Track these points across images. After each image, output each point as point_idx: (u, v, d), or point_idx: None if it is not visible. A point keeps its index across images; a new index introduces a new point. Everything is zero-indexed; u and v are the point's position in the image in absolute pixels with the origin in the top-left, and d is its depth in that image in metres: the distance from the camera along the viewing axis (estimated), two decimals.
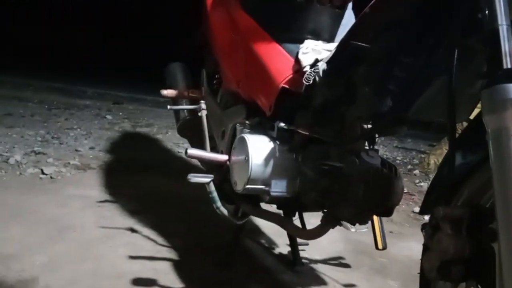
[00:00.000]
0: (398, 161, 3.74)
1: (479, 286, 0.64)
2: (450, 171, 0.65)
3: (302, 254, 1.55)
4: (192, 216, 1.78)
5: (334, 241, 1.76)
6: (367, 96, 0.84)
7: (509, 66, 0.55)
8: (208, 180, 1.11)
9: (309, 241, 1.60)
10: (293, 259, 1.49)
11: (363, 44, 0.81)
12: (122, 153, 2.72)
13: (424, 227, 0.67)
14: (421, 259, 0.69)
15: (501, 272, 0.52)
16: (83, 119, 3.70)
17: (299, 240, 1.52)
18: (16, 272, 1.19)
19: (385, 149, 4.31)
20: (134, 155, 2.70)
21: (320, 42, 1.17)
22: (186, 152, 1.15)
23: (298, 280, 1.38)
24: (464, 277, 0.61)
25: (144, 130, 3.55)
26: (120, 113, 4.19)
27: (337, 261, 1.59)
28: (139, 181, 2.17)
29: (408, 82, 0.80)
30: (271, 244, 1.66)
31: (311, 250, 1.62)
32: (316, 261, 1.56)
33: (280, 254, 1.58)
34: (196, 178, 1.10)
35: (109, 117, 3.91)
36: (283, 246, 1.63)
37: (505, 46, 0.56)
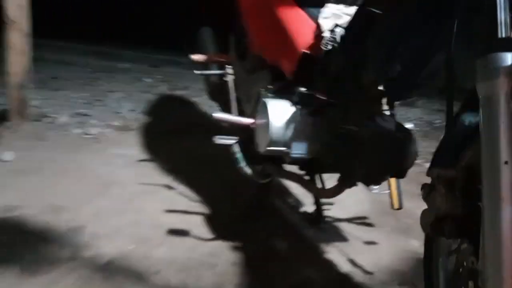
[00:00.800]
0: (436, 125, 3.68)
1: (472, 244, 0.69)
2: (450, 134, 0.69)
3: (327, 213, 1.62)
4: (224, 176, 1.88)
5: (361, 202, 1.81)
6: (380, 62, 0.88)
7: (503, 36, 0.57)
8: (232, 142, 1.19)
9: (335, 201, 1.68)
10: (317, 216, 1.57)
11: (376, 11, 0.84)
12: (159, 115, 2.85)
13: (423, 186, 0.72)
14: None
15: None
16: (123, 82, 3.85)
17: (324, 199, 1.60)
18: (66, 221, 1.35)
19: (423, 111, 4.23)
20: (170, 117, 2.82)
21: (341, 6, 1.18)
22: (212, 116, 1.23)
23: (320, 236, 1.47)
24: (456, 234, 0.66)
25: (181, 93, 3.66)
26: (158, 76, 4.32)
27: (361, 221, 1.65)
28: (176, 142, 2.29)
29: (420, 47, 0.82)
30: (298, 203, 1.75)
31: (336, 209, 1.68)
32: (340, 220, 1.63)
33: (306, 212, 1.66)
34: (221, 139, 1.18)
35: (148, 80, 4.04)
36: (309, 206, 1.71)
37: (501, 15, 0.58)
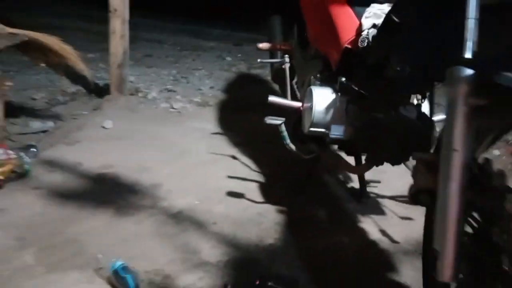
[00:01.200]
0: None
1: None
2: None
3: (373, 190, 1.79)
4: (282, 152, 2.10)
5: (408, 183, 1.94)
6: (398, 61, 1.03)
7: (469, 54, 0.72)
8: (280, 122, 1.42)
9: (383, 180, 1.83)
10: (360, 192, 1.74)
11: (395, 19, 0.99)
12: (235, 93, 3.14)
13: (414, 167, 0.90)
14: None
15: None
16: (206, 60, 4.19)
17: (370, 177, 1.76)
18: (150, 178, 1.69)
19: None
20: (245, 95, 3.09)
21: (385, 5, 1.32)
22: (268, 99, 1.46)
23: (359, 209, 1.65)
24: (430, 204, 0.83)
25: (257, 72, 3.92)
26: (239, 55, 4.61)
27: (404, 199, 1.79)
28: (246, 118, 2.55)
29: (433, 49, 0.96)
30: (347, 179, 1.93)
31: (382, 187, 1.84)
32: (383, 197, 1.78)
33: (352, 188, 1.84)
34: (270, 120, 1.41)
35: (228, 58, 4.35)
36: (356, 182, 1.88)
37: (469, 36, 0.73)
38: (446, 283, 0.78)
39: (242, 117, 2.57)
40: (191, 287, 1.12)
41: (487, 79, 0.68)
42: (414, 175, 0.87)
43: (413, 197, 0.84)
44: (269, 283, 1.09)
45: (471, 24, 0.73)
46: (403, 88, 1.10)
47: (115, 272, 1.09)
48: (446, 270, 0.72)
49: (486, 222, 0.77)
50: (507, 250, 0.71)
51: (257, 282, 1.10)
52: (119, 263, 1.10)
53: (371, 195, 1.77)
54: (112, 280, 1.09)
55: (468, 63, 0.72)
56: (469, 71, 0.71)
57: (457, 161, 0.72)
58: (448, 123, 0.74)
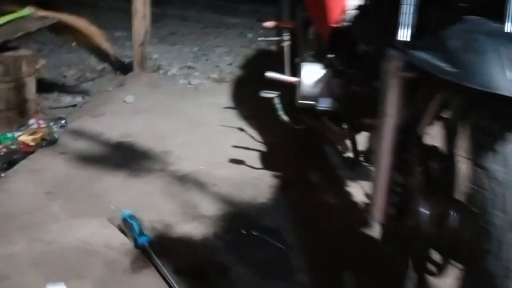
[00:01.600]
0: None
1: None
2: None
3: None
4: (285, 124, 2.26)
5: None
6: (372, 38, 1.16)
7: (402, 35, 0.85)
8: (274, 95, 1.57)
9: None
10: (354, 161, 1.88)
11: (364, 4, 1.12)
12: (252, 69, 3.28)
13: None
14: None
15: None
16: (228, 37, 4.33)
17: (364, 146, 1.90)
18: (162, 146, 1.90)
19: None
20: (259, 71, 3.21)
21: None
22: (265, 75, 1.62)
23: (350, 176, 1.79)
24: None
25: (276, 48, 4.03)
26: (261, 31, 4.71)
27: None
28: (258, 92, 2.71)
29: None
30: (344, 149, 2.05)
31: None
32: None
33: (346, 157, 1.97)
34: (265, 93, 1.57)
35: (250, 35, 4.45)
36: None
37: (402, 20, 0.85)
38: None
39: (254, 91, 2.72)
40: (186, 234, 1.33)
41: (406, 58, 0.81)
42: (368, 139, 1.02)
43: (366, 157, 0.99)
44: (254, 233, 1.28)
45: (405, 9, 0.86)
46: (371, 65, 1.23)
47: (124, 219, 1.30)
48: (376, 213, 0.88)
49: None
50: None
51: (244, 232, 1.28)
52: (127, 212, 1.32)
53: (365, 163, 1.90)
54: (122, 225, 1.31)
55: (396, 45, 0.85)
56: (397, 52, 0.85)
57: (388, 124, 0.86)
58: (382, 93, 0.88)
